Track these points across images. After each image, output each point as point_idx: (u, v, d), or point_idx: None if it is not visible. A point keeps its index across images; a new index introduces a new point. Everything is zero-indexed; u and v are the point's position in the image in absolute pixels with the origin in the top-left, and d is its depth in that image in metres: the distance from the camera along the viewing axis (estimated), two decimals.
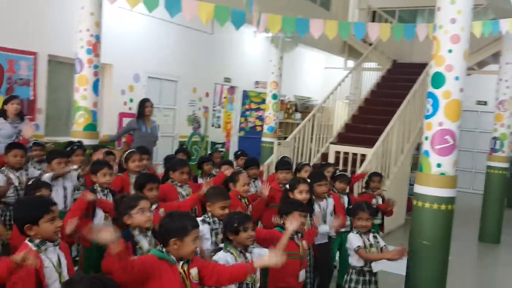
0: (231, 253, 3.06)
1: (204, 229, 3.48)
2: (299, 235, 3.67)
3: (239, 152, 7.01)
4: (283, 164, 5.50)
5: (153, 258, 2.55)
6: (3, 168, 4.54)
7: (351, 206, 4.60)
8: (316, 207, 4.50)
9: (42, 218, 2.52)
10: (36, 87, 7.22)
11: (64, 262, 2.59)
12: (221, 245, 3.20)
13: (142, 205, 3.07)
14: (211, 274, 2.70)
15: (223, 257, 3.02)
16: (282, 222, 3.67)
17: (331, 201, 4.75)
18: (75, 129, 6.22)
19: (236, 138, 12.46)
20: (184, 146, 8.79)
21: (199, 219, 3.40)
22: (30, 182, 4.12)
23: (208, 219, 3.60)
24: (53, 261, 2.54)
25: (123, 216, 3.07)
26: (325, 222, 4.54)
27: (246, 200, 4.54)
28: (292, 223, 3.39)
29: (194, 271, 2.64)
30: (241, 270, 2.79)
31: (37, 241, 2.54)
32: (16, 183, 4.59)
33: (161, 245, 2.65)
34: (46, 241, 2.55)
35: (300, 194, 4.16)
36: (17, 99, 6.07)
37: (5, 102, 6.01)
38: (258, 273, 3.20)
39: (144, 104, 7.35)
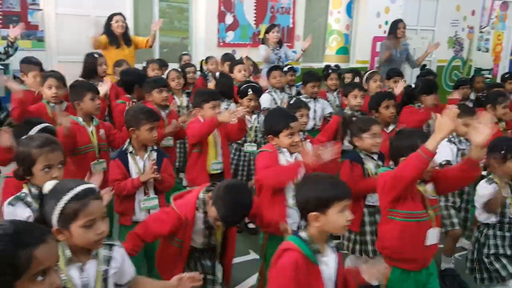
0: (495, 183, 2.73)
1: (447, 150, 3.20)
2: None
3: (507, 75, 6.01)
4: None
5: None
6: (270, 89, 5.01)
7: None
8: None
9: (281, 132, 2.72)
10: (295, 14, 7.62)
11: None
12: (483, 172, 2.87)
13: (374, 130, 2.98)
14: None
15: (491, 188, 2.69)
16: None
17: None
18: (328, 53, 6.39)
19: (507, 62, 10.77)
20: (428, 68, 7.99)
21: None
22: (292, 101, 4.45)
23: (453, 139, 3.28)
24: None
25: (353, 137, 3.06)
26: None
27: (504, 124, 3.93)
28: None
29: (429, 187, 2.45)
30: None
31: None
32: (279, 103, 5.02)
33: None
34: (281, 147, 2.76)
35: None
36: (277, 27, 6.53)
37: (267, 30, 6.54)
38: None
39: (396, 25, 6.91)
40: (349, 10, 6.21)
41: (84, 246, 1.65)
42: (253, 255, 3.68)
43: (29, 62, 4.24)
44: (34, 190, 2.09)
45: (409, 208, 2.35)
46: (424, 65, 8.35)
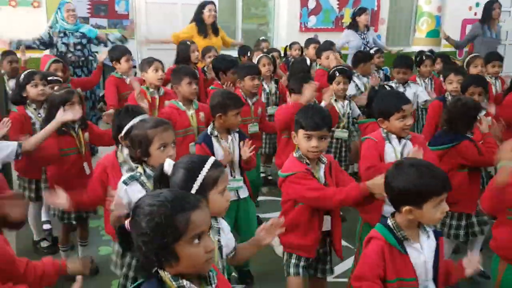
0: None
1: None
2: None
3: None
4: None
5: None
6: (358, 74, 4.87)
7: None
8: None
9: (393, 115, 2.59)
10: None
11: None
12: None
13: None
14: None
15: None
16: None
17: None
18: (417, 36, 6.10)
19: None
20: None
21: None
22: (376, 87, 4.28)
23: None
24: (395, 152, 2.63)
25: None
26: None
27: None
28: None
29: None
30: None
31: (384, 131, 2.67)
32: (362, 89, 4.86)
33: None
34: (390, 134, 2.65)
35: None
36: (367, 10, 6.28)
37: (357, 14, 6.31)
38: None
39: (491, 6, 6.46)
40: None
41: (213, 215, 1.72)
42: (343, 242, 3.61)
43: (119, 49, 4.42)
44: (148, 170, 2.17)
45: None
46: None
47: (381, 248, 1.74)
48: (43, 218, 3.61)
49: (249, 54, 5.48)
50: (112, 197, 2.16)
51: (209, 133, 2.90)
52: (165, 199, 1.28)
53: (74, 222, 3.11)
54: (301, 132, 2.36)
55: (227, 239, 1.87)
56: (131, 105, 2.74)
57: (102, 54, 4.83)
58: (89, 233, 3.32)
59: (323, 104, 3.71)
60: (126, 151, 2.51)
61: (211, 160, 1.74)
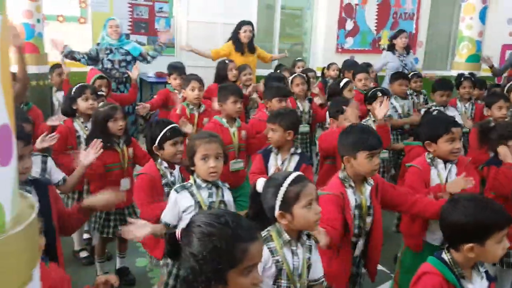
0: None
1: None
2: None
3: None
4: None
5: None
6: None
7: None
8: None
9: (441, 137, 2.54)
10: (419, 20, 7.31)
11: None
12: None
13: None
14: None
15: None
16: None
17: None
18: (457, 60, 6.02)
19: None
20: None
21: None
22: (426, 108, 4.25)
23: None
24: (440, 178, 2.58)
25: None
26: None
27: None
28: None
29: None
30: None
31: (429, 156, 2.61)
32: (400, 111, 4.81)
33: None
34: (436, 158, 2.59)
35: None
36: (405, 33, 6.25)
37: (395, 36, 6.28)
38: None
39: None
40: (482, 16, 5.80)
41: (303, 228, 1.74)
42: (379, 266, 3.55)
43: (169, 67, 4.65)
44: (199, 181, 2.22)
45: None
46: None
47: (440, 284, 1.63)
48: (84, 228, 3.69)
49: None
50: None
51: (269, 147, 2.96)
52: (227, 224, 1.27)
53: (111, 236, 3.15)
54: (363, 154, 2.21)
55: (317, 260, 1.84)
56: (161, 118, 2.84)
57: (134, 71, 4.93)
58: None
59: (370, 122, 3.70)
60: (164, 164, 2.60)
61: (293, 175, 1.73)
